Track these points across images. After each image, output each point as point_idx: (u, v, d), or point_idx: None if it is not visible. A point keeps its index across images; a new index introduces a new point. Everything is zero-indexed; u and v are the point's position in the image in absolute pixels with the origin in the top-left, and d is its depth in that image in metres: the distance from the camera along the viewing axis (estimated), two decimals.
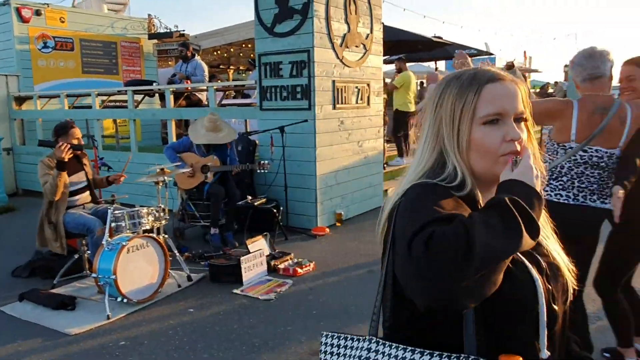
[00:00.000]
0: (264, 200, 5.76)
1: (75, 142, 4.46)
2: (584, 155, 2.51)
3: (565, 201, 2.56)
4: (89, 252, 4.40)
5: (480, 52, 17.18)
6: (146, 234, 4.13)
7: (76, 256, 4.48)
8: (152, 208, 4.34)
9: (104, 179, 4.72)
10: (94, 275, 3.88)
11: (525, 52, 27.76)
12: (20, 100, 9.06)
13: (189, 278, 4.46)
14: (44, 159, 4.34)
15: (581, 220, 2.54)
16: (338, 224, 6.23)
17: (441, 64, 19.57)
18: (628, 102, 2.55)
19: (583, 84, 2.56)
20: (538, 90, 26.36)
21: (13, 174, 9.07)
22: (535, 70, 30.69)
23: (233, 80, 14.83)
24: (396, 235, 0.98)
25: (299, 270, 4.57)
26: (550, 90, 24.78)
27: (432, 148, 1.13)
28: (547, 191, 2.59)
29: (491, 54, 21.48)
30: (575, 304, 2.75)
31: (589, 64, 2.52)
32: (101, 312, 3.77)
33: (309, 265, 4.71)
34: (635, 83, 2.65)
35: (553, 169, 2.58)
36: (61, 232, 4.30)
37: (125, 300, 3.88)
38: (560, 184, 2.58)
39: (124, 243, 3.86)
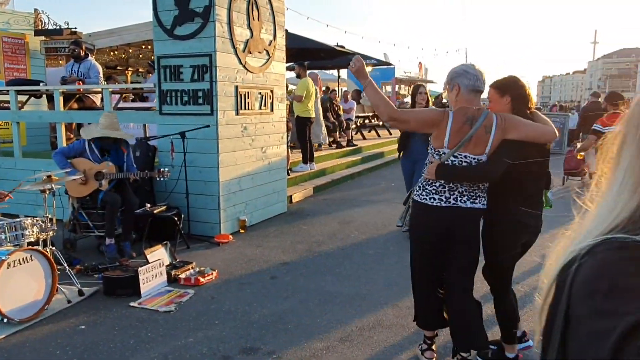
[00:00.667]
0: (164, 207, 5.54)
1: None
2: (455, 160, 2.77)
3: (438, 204, 2.79)
4: None
5: (380, 62, 17.91)
6: (30, 247, 3.80)
7: None
8: (37, 218, 4.00)
9: None
10: None
11: (420, 63, 29.32)
12: None
13: (81, 292, 4.16)
14: None
15: (453, 219, 2.80)
16: (242, 231, 6.15)
17: (343, 72, 20.08)
18: (495, 113, 2.82)
19: (466, 93, 2.79)
20: (433, 99, 27.99)
21: None
22: (431, 81, 32.51)
23: (131, 82, 14.16)
24: (580, 318, 0.68)
25: (201, 279, 4.44)
26: (445, 100, 26.42)
27: (634, 188, 0.76)
28: (422, 196, 2.83)
29: (390, 64, 22.45)
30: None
31: (474, 77, 2.78)
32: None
33: (212, 273, 4.60)
34: (492, 105, 2.96)
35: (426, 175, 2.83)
36: None
37: (5, 320, 3.53)
38: (433, 189, 2.82)
39: (3, 257, 3.52)
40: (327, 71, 21.63)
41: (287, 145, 8.29)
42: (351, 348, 3.33)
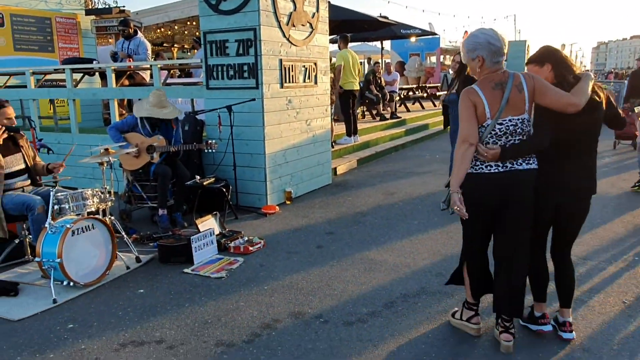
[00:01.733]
0: (213, 179, 5.72)
1: (6, 122, 4.26)
2: (502, 127, 2.75)
3: (496, 170, 2.78)
4: (30, 236, 4.26)
5: (424, 32, 17.50)
6: (91, 216, 4.04)
7: (17, 241, 4.33)
8: (96, 190, 4.24)
9: (45, 167, 4.53)
10: (37, 259, 3.77)
11: (467, 32, 28.43)
12: None
13: (138, 260, 4.40)
14: None
15: (512, 182, 2.79)
16: (287, 202, 6.28)
17: (387, 44, 19.76)
18: (522, 74, 2.80)
19: (490, 65, 2.76)
20: None
21: None
22: None
23: (177, 58, 14.44)
24: None
25: (250, 248, 4.61)
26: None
27: None
28: (478, 166, 2.82)
29: (435, 34, 21.92)
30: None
31: (498, 50, 2.74)
32: (47, 297, 3.68)
33: (260, 242, 4.75)
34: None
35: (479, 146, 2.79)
36: (0, 215, 4.13)
37: (72, 284, 3.79)
38: None
39: (68, 225, 3.77)
40: (370, 43, 21.35)
41: (331, 118, 8.33)
42: (396, 313, 3.41)
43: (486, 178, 2.80)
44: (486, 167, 2.80)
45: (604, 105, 2.90)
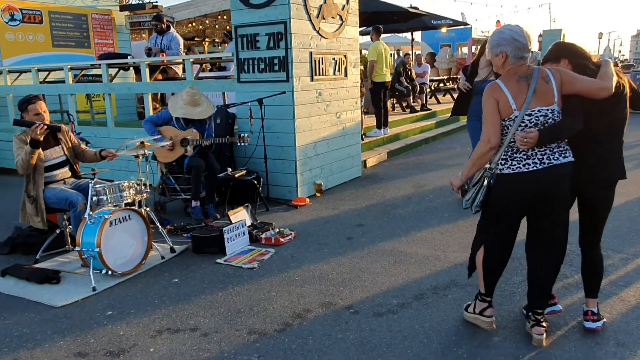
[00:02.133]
0: (244, 172, 5.81)
1: (35, 118, 4.37)
2: (531, 118, 2.68)
3: (535, 168, 2.71)
4: (70, 227, 4.42)
5: (456, 23, 17.24)
6: (128, 207, 4.16)
7: (57, 231, 4.50)
8: (133, 181, 4.36)
9: (97, 153, 4.68)
10: (77, 248, 3.91)
11: (499, 22, 27.88)
12: None
13: (172, 250, 4.52)
14: (18, 134, 4.31)
15: (550, 180, 2.72)
16: (318, 194, 6.33)
17: (417, 35, 19.55)
18: (546, 67, 2.79)
19: (514, 61, 2.72)
20: None
21: None
22: None
23: (208, 52, 14.62)
24: None
25: (281, 239, 4.67)
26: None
27: None
28: (514, 166, 2.74)
29: (467, 24, 21.56)
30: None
31: (523, 47, 2.71)
32: (86, 285, 3.82)
33: (291, 234, 4.81)
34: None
35: (511, 144, 2.73)
36: (41, 207, 4.30)
37: (110, 273, 3.93)
38: (523, 155, 2.73)
39: (106, 216, 3.90)
40: (401, 34, 21.15)
41: (361, 111, 8.32)
42: (426, 305, 3.42)
43: (524, 177, 2.72)
44: (524, 166, 2.72)
45: (628, 90, 2.86)
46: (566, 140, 2.78)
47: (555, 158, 2.72)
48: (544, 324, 2.92)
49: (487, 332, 3.05)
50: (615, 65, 3.03)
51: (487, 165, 2.83)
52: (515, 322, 3.15)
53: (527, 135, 2.65)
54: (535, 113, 2.68)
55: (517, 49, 2.70)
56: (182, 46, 8.43)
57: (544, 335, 2.90)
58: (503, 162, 2.78)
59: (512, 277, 3.79)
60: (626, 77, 2.88)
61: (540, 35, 23.41)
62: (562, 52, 2.92)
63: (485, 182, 2.84)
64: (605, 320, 3.09)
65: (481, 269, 3.08)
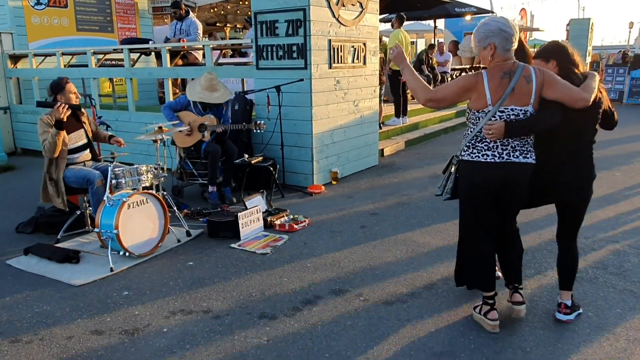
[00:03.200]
0: (260, 158, 5.86)
1: (72, 96, 4.51)
2: (502, 115, 2.75)
3: (492, 160, 2.79)
4: (90, 208, 4.53)
5: (481, 10, 16.93)
6: (146, 191, 4.25)
7: (78, 212, 4.62)
8: (151, 165, 4.44)
9: (107, 136, 4.81)
10: (96, 230, 4.02)
11: (524, 9, 27.29)
12: (15, 58, 9.01)
13: (188, 233, 4.61)
14: (43, 117, 4.41)
15: (507, 174, 2.81)
16: (334, 182, 6.35)
17: (440, 22, 19.26)
18: (533, 66, 2.80)
19: (502, 52, 2.75)
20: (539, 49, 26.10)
21: (11, 133, 9.13)
22: (537, 29, 30.27)
23: (230, 38, 14.66)
24: None
25: (295, 226, 4.72)
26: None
27: None
28: (474, 154, 2.84)
29: (492, 12, 21.16)
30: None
31: (510, 37, 2.73)
32: (104, 265, 3.93)
33: (305, 221, 4.86)
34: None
35: (478, 133, 2.82)
36: (62, 189, 4.41)
37: (127, 254, 4.03)
38: (485, 146, 2.81)
39: (124, 199, 3.99)
40: (424, 22, 20.85)
41: (380, 99, 8.29)
42: (436, 295, 3.44)
43: (481, 165, 2.81)
44: (482, 156, 2.81)
45: (604, 104, 2.91)
46: (532, 141, 2.86)
47: (515, 156, 2.79)
48: (521, 292, 3.10)
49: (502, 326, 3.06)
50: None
51: (454, 154, 2.98)
52: (533, 316, 3.15)
53: (492, 127, 2.72)
54: (508, 111, 2.74)
55: (505, 39, 2.73)
56: (200, 31, 8.47)
57: (523, 306, 3.06)
58: (466, 148, 2.89)
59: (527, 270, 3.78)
60: (606, 97, 2.95)
61: (567, 24, 22.88)
62: (554, 54, 2.96)
63: (453, 169, 2.98)
64: (580, 311, 3.15)
65: (472, 270, 3.13)
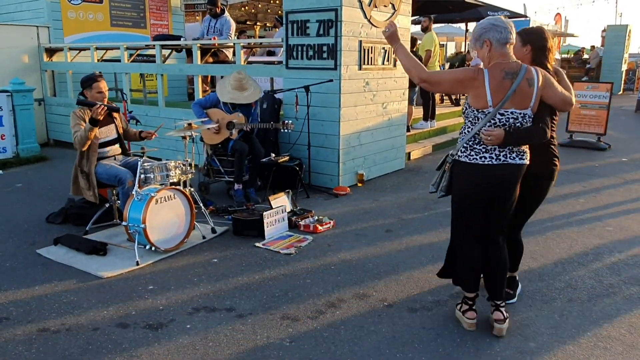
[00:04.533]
0: (287, 158, 5.86)
1: (98, 95, 4.53)
2: (502, 118, 2.76)
3: (490, 162, 2.81)
4: (119, 202, 4.59)
5: (514, 14, 16.66)
6: (173, 187, 4.28)
7: (107, 205, 4.69)
8: (179, 162, 4.48)
9: (137, 133, 4.87)
10: (124, 223, 4.07)
11: (559, 14, 26.76)
12: (51, 52, 9.21)
13: (213, 230, 4.63)
14: (76, 110, 4.49)
15: (504, 175, 2.84)
16: (359, 184, 6.32)
17: (472, 26, 18.96)
18: (534, 67, 2.82)
19: (499, 47, 2.75)
20: (573, 55, 25.56)
21: (44, 125, 9.33)
22: (572, 35, 29.67)
23: (260, 36, 14.74)
24: None
25: (319, 227, 4.70)
26: (585, 56, 24.02)
27: None
28: (472, 156, 2.85)
29: (525, 17, 20.81)
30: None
31: (505, 30, 2.73)
32: (131, 259, 3.98)
33: (329, 222, 4.83)
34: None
35: (476, 135, 2.82)
36: (93, 182, 4.48)
37: (153, 248, 4.07)
38: (483, 148, 2.83)
39: (152, 194, 4.02)
40: (455, 25, 20.64)
41: (412, 102, 8.22)
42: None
43: (478, 167, 2.82)
44: (480, 158, 2.82)
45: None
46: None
47: (512, 157, 2.82)
48: (503, 310, 3.02)
49: (523, 336, 2.99)
50: None
51: (450, 152, 2.99)
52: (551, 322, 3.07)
53: (491, 133, 2.73)
54: (508, 114, 2.75)
55: (500, 33, 2.73)
56: (232, 31, 8.52)
57: (504, 324, 2.99)
58: (463, 149, 2.89)
59: (554, 282, 3.70)
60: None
61: (604, 30, 22.33)
62: (533, 39, 3.01)
63: (447, 167, 3.00)
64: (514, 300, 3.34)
65: (459, 269, 3.17)
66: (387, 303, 3.38)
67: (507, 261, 3.06)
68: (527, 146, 2.89)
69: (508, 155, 2.81)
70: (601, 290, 3.57)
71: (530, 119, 2.80)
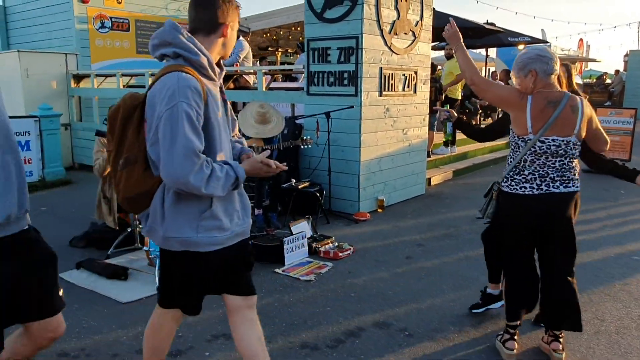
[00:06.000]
0: (307, 183, 5.87)
1: None
2: (542, 146, 2.73)
3: (530, 192, 2.77)
4: (140, 226, 4.64)
5: (535, 40, 16.64)
6: None
7: (129, 230, 4.74)
8: None
9: None
10: (145, 248, 4.10)
11: (582, 39, 26.64)
12: (78, 78, 9.48)
13: None
14: (101, 137, 4.58)
15: (548, 206, 2.78)
16: (379, 210, 6.28)
17: (492, 52, 19.00)
18: (579, 97, 2.81)
19: (544, 78, 2.74)
20: (595, 80, 25.34)
21: (70, 149, 9.54)
22: (594, 60, 29.46)
23: (281, 62, 14.96)
24: None
25: (340, 253, 4.67)
26: (608, 81, 23.78)
27: None
28: (512, 186, 2.84)
29: (546, 42, 20.77)
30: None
31: (550, 61, 2.74)
32: (151, 284, 3.99)
33: (349, 249, 4.80)
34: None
35: (517, 165, 2.82)
36: (114, 208, 4.55)
37: None
38: (522, 178, 2.81)
39: None
40: (475, 50, 20.66)
41: (432, 128, 8.21)
42: (484, 335, 3.29)
43: (521, 199, 2.79)
44: (520, 188, 2.80)
45: None
46: (576, 169, 2.83)
47: (555, 186, 2.76)
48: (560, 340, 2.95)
49: None
50: None
51: (497, 180, 3.00)
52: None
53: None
54: (549, 142, 2.72)
55: (545, 64, 2.72)
56: (243, 54, 8.49)
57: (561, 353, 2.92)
58: (505, 179, 2.89)
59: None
60: None
61: (626, 55, 22.13)
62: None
63: (494, 195, 3.00)
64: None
65: (505, 295, 3.12)
66: (408, 332, 3.32)
67: (575, 292, 2.92)
68: (577, 172, 2.84)
69: (551, 185, 2.76)
70: (629, 323, 3.46)
71: (577, 146, 2.77)
